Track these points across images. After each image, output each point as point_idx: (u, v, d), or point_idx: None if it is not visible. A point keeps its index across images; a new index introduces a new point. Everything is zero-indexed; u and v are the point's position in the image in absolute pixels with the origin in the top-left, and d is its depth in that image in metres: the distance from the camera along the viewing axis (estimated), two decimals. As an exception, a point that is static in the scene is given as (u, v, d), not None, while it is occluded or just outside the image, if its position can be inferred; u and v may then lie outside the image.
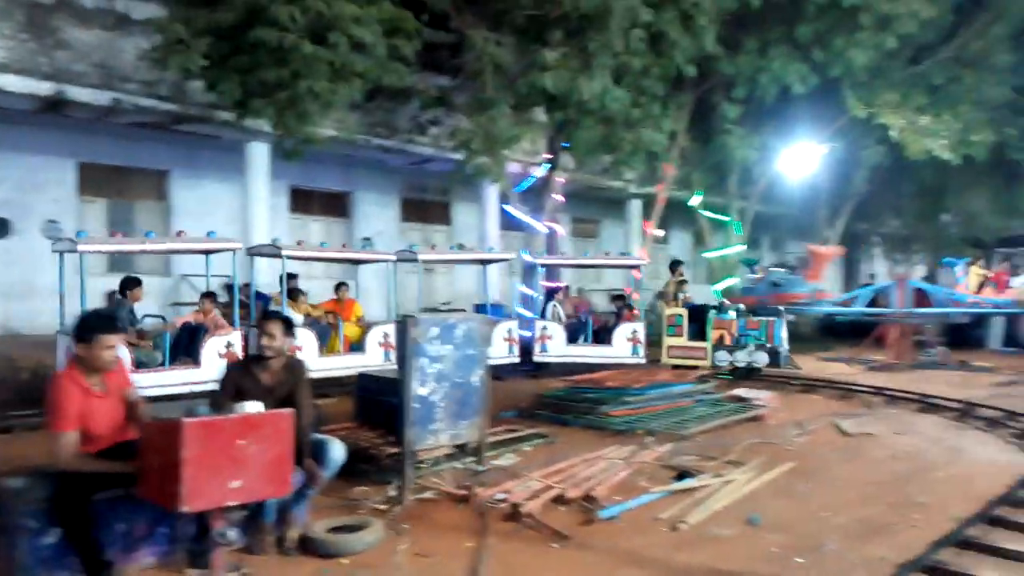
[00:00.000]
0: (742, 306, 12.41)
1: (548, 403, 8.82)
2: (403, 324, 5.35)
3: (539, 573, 4.22)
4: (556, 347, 12.07)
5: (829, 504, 5.52)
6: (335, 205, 17.02)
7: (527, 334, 13.03)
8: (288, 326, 4.68)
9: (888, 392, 10.45)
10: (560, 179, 13.60)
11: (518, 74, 10.50)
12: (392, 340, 10.64)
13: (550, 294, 13.18)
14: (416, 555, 4.45)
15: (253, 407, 4.02)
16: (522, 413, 8.65)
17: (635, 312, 12.79)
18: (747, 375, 11.49)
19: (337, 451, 4.55)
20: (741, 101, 13.58)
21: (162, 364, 8.82)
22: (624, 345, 11.93)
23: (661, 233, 23.01)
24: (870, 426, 8.38)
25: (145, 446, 3.80)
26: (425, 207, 18.49)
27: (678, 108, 12.83)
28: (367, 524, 4.69)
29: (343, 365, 10.08)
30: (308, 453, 4.38)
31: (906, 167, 17.58)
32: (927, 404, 9.74)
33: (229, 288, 10.79)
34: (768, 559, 4.44)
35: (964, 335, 17.23)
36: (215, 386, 4.70)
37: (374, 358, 10.52)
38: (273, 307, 10.07)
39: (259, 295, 11.56)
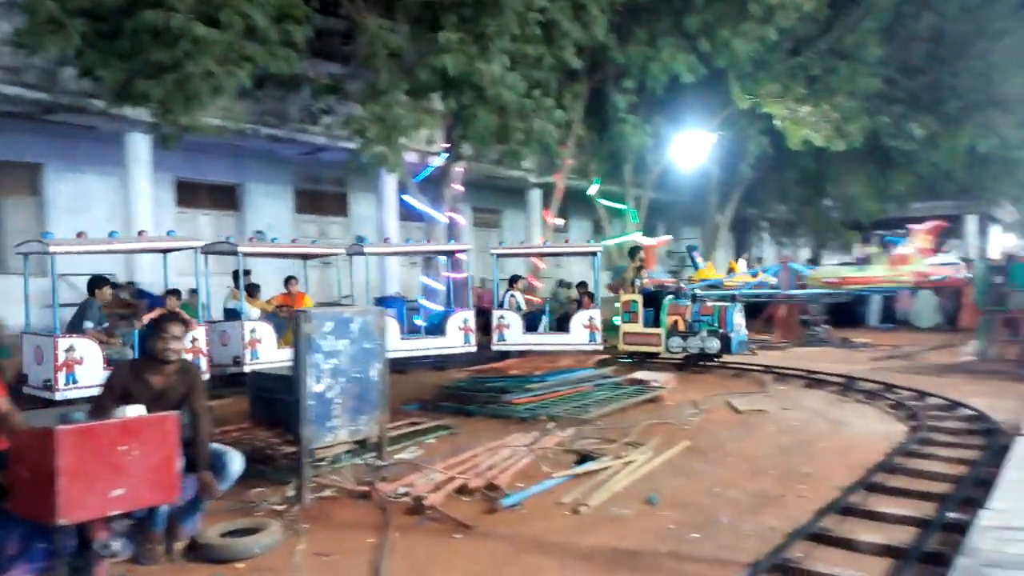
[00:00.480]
0: (698, 290, 12.42)
1: (451, 394, 8.78)
2: (295, 320, 5.19)
3: (442, 565, 4.19)
4: (514, 336, 12.17)
5: (722, 479, 5.72)
6: (224, 198, 16.36)
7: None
8: (186, 327, 4.50)
9: (777, 370, 10.95)
10: (459, 169, 13.53)
11: (414, 61, 10.35)
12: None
13: (510, 283, 13.35)
14: (315, 555, 4.34)
15: (134, 411, 3.83)
16: (425, 406, 8.58)
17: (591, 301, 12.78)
18: (698, 362, 11.49)
19: (236, 463, 4.38)
20: (633, 91, 13.87)
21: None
22: (581, 332, 11.97)
23: (561, 222, 23.36)
24: (760, 403, 8.75)
25: (16, 457, 3.56)
26: (320, 198, 18.02)
27: (572, 98, 12.99)
28: (264, 526, 4.54)
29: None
30: (205, 464, 4.20)
31: (789, 154, 18.40)
32: (813, 380, 10.25)
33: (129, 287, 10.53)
34: (665, 536, 4.56)
35: (846, 313, 18.28)
36: (98, 391, 4.45)
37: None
38: (174, 306, 9.72)
39: (146, 294, 11.07)
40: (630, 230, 18.13)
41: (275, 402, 6.51)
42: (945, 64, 17.93)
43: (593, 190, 17.51)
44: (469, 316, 12.21)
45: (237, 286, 10.62)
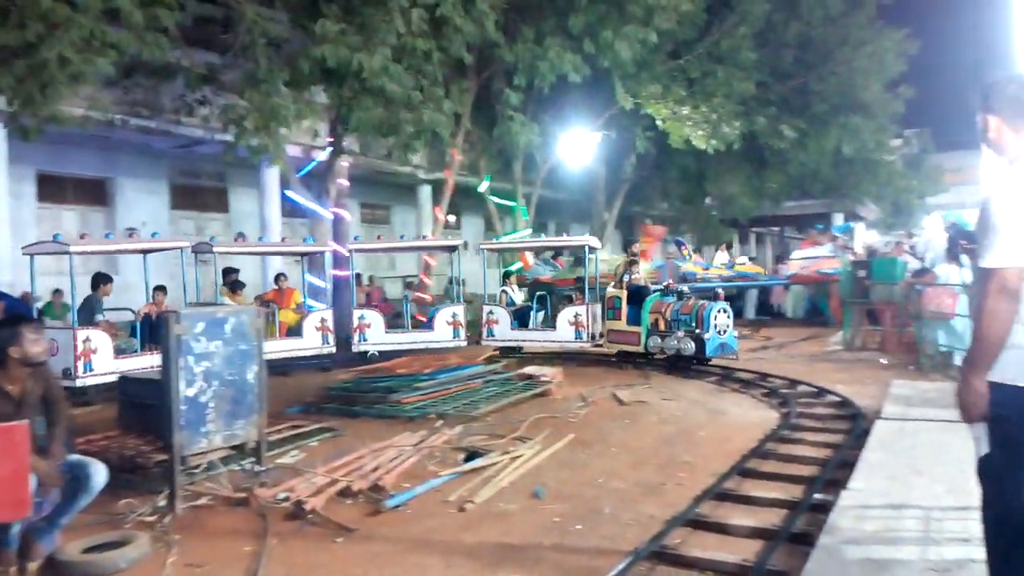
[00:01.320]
0: (686, 288, 11.74)
1: (336, 395, 8.59)
2: (163, 321, 4.91)
3: (322, 569, 4.07)
4: (502, 331, 12.12)
5: (606, 470, 5.83)
6: (92, 192, 15.40)
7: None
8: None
9: (660, 361, 11.28)
10: (345, 163, 13.23)
11: (295, 51, 10.02)
12: (329, 324, 11.64)
13: (504, 278, 13.26)
14: (187, 566, 4.13)
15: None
16: (309, 408, 8.35)
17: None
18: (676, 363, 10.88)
19: (99, 474, 4.09)
20: (522, 88, 13.97)
21: (136, 351, 9.77)
22: (567, 329, 11.87)
23: (452, 219, 23.30)
24: (644, 394, 8.99)
25: None
26: (199, 193, 17.25)
27: (461, 93, 12.94)
28: (131, 539, 4.27)
29: (281, 348, 11.06)
30: (57, 472, 3.91)
31: (671, 154, 19.04)
32: (692, 371, 10.62)
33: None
34: (550, 529, 4.60)
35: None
36: None
37: (312, 341, 11.58)
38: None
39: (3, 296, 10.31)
40: (520, 227, 18.27)
41: (146, 408, 6.15)
42: (813, 70, 19.01)
43: (483, 187, 17.55)
44: (459, 311, 12.28)
45: (226, 284, 11.11)
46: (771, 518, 4.64)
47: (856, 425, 6.88)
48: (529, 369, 10.03)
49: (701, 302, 10.68)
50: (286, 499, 5.07)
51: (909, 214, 30.25)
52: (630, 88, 15.16)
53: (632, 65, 14.20)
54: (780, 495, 5.08)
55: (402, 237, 17.03)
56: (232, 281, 11.98)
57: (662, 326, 10.81)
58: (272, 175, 14.50)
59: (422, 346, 11.80)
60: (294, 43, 10.21)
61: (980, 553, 3.04)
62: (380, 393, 8.21)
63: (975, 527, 3.05)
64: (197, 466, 5.39)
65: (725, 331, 10.40)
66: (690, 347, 10.41)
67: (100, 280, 10.19)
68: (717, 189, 22.31)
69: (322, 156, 13.23)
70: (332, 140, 12.39)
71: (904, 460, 5.20)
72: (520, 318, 12.34)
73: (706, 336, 10.21)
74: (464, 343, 12.08)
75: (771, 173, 21.38)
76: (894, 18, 20.25)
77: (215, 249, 11.16)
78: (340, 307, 13.64)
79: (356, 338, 11.89)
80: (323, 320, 11.63)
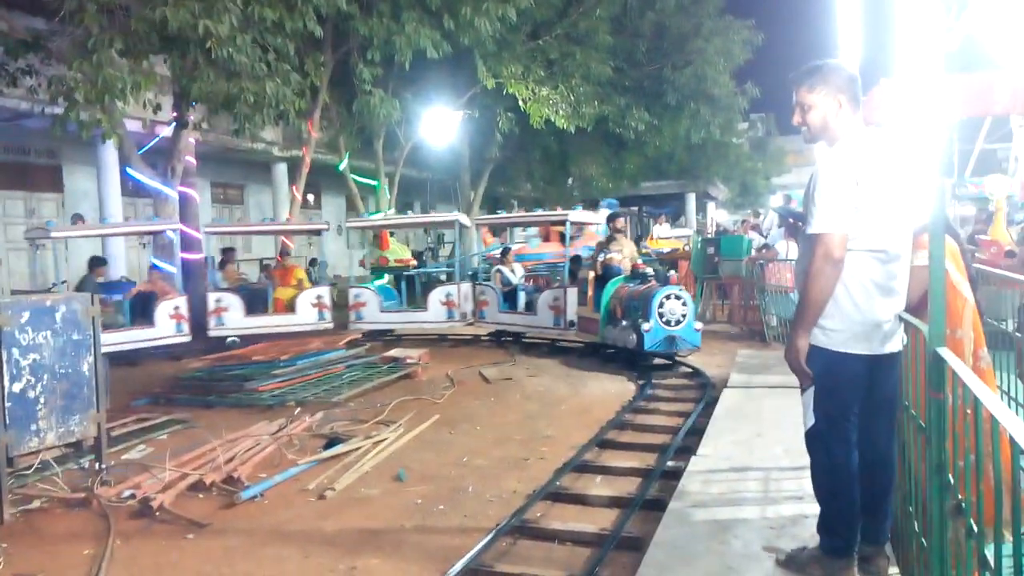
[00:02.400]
0: (650, 271, 10.08)
1: (188, 385, 8.15)
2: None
3: (170, 568, 3.85)
4: (491, 313, 11.74)
5: (470, 449, 5.86)
6: (-102, 170, 13.78)
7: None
8: None
9: (525, 339, 11.44)
10: (192, 139, 12.47)
11: (130, 16, 9.26)
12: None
13: (502, 255, 12.61)
14: (18, 577, 3.79)
15: None
16: (157, 399, 7.88)
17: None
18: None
19: None
20: (380, 64, 13.64)
21: (124, 325, 10.36)
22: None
23: (311, 198, 22.58)
24: (509, 372, 9.09)
25: None
26: (28, 172, 15.77)
27: (317, 67, 12.44)
28: (-54, 554, 3.87)
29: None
30: None
31: (534, 135, 19.24)
32: (555, 347, 10.85)
33: None
34: (413, 512, 4.56)
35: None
36: None
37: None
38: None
39: None
40: (383, 207, 17.96)
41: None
42: (667, 58, 19.72)
43: (343, 165, 17.08)
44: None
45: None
46: (627, 487, 4.82)
47: (706, 394, 7.25)
48: (394, 352, 9.91)
49: (648, 287, 9.13)
50: (131, 497, 4.77)
51: (756, 194, 32.23)
52: (492, 67, 15.13)
53: (492, 43, 14.15)
54: (636, 464, 5.28)
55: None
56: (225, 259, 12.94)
57: (618, 313, 9.50)
58: (111, 151, 13.48)
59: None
60: (130, 8, 9.44)
61: (812, 509, 3.28)
62: (235, 381, 7.87)
63: (808, 486, 3.28)
64: (29, 467, 4.97)
65: (678, 322, 8.63)
66: (632, 339, 8.88)
67: (95, 263, 11.33)
68: (578, 170, 22.80)
69: (166, 132, 12.41)
70: (176, 115, 11.62)
71: (748, 425, 5.53)
72: (510, 299, 11.67)
73: (645, 327, 8.56)
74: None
75: (629, 155, 22.07)
76: (740, 9, 21.34)
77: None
78: (193, 293, 12.94)
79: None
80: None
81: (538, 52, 16.34)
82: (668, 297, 8.72)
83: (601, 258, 10.43)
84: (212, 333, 11.26)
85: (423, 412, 7.02)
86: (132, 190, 14.45)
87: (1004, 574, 1.70)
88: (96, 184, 14.72)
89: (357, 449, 5.76)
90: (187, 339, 11.10)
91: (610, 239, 10.62)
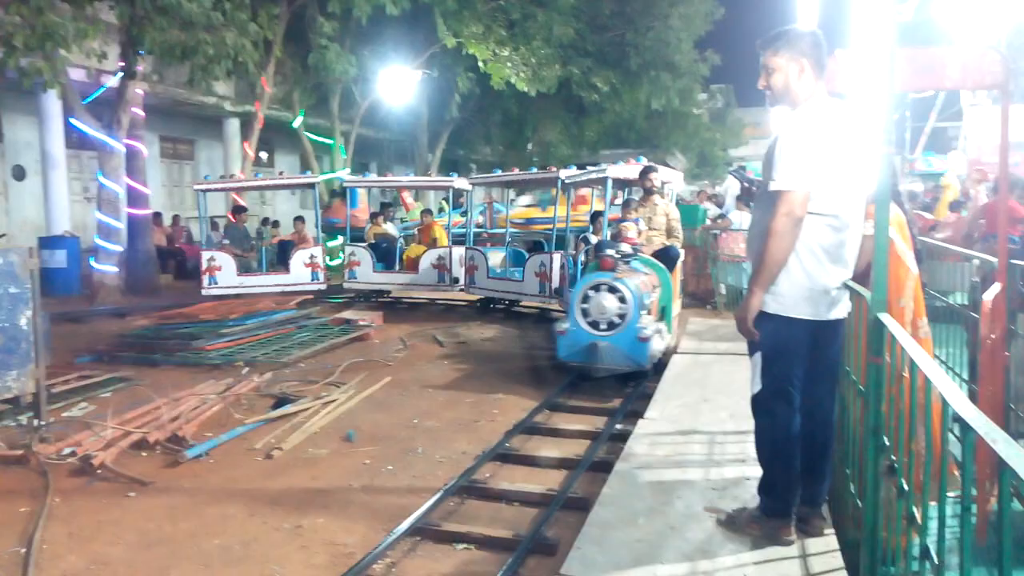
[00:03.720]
0: (629, 248, 7.47)
1: (133, 343, 7.97)
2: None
3: (111, 527, 3.77)
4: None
5: (421, 411, 5.85)
6: None
7: (111, 269, 11.60)
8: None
9: (479, 304, 11.43)
10: (139, 91, 12.04)
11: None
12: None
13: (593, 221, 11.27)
14: (-54, 536, 3.68)
15: None
16: (102, 357, 7.68)
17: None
18: None
19: None
20: (336, 18, 13.30)
21: (258, 270, 11.72)
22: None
23: (263, 156, 22.08)
24: (463, 335, 9.09)
25: None
26: (-36, 121, 15.13)
27: (271, 19, 12.07)
28: None
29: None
30: None
31: (494, 98, 19.06)
32: (512, 312, 10.87)
33: None
34: (361, 472, 4.55)
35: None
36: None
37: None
38: None
39: None
40: (338, 166, 17.67)
41: None
42: (631, 23, 19.62)
43: (298, 122, 16.72)
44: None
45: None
46: (575, 449, 4.87)
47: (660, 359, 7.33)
48: (346, 313, 9.83)
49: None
50: (71, 454, 4.67)
51: (713, 165, 32.48)
52: (452, 26, 14.89)
53: (453, 1, 13.92)
54: (585, 427, 5.33)
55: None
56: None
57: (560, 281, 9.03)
58: (54, 101, 12.95)
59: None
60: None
61: (754, 471, 3.36)
62: (182, 340, 7.71)
63: (751, 449, 3.35)
64: (-38, 424, 4.82)
65: (612, 324, 6.24)
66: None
67: (238, 211, 12.92)
68: (538, 135, 22.71)
69: (112, 82, 11.96)
70: (123, 64, 11.19)
71: (695, 390, 5.62)
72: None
73: (559, 329, 6.44)
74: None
75: (589, 122, 22.04)
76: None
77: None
78: (139, 249, 12.62)
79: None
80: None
81: (499, 12, 16.12)
82: (596, 288, 6.23)
83: (588, 236, 8.47)
84: (206, 292, 11.08)
85: (375, 374, 6.98)
86: (77, 142, 13.94)
87: (930, 529, 1.75)
88: (38, 135, 14.16)
89: (306, 410, 5.71)
90: (321, 287, 11.40)
91: (640, 202, 8.08)
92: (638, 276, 6.61)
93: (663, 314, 7.09)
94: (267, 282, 11.45)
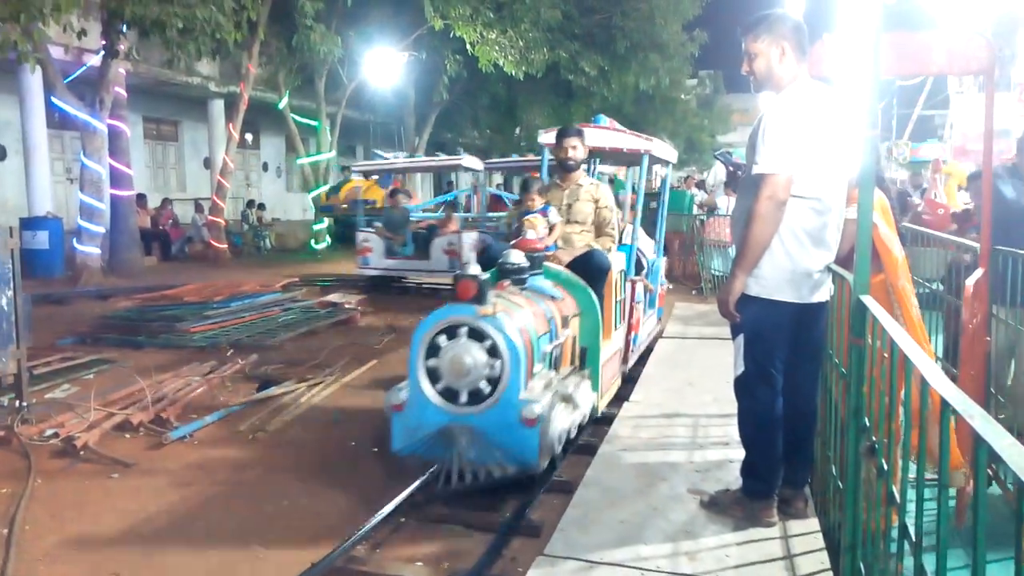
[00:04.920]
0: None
1: (117, 325, 7.90)
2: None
3: (93, 507, 3.76)
4: (377, 260, 11.68)
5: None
6: None
7: (94, 250, 11.49)
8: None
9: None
10: (122, 70, 11.89)
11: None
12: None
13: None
14: (-75, 517, 3.65)
15: None
16: (85, 338, 7.62)
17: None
18: None
19: None
20: (322, -1, 13.19)
21: (402, 254, 11.58)
22: (442, 259, 11.27)
23: (248, 137, 21.88)
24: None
25: None
26: (-59, 99, 14.90)
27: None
28: None
29: (409, 267, 11.70)
30: None
31: (482, 81, 18.94)
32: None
33: None
34: (346, 452, 4.55)
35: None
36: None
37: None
38: None
39: None
40: (324, 149, 17.55)
41: None
42: (618, 4, 19.52)
43: (283, 104, 16.57)
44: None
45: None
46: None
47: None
48: (331, 297, 9.80)
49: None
50: (54, 435, 4.63)
51: (701, 151, 32.52)
52: (439, 7, 14.75)
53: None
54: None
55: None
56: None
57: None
58: (35, 79, 12.76)
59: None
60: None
61: (737, 454, 3.38)
62: (166, 322, 7.66)
63: (734, 432, 3.37)
64: (-59, 405, 4.78)
65: (482, 395, 3.67)
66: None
67: (394, 193, 12.61)
68: (526, 119, 22.62)
69: (94, 60, 11.79)
70: (105, 42, 11.03)
71: (680, 374, 5.66)
72: None
73: (393, 403, 3.89)
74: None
75: (577, 106, 21.96)
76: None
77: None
78: (122, 231, 12.50)
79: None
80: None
81: (487, -7, 15.99)
82: (452, 333, 3.71)
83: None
84: (359, 270, 11.71)
85: (360, 357, 6.97)
86: (59, 122, 13.78)
87: (908, 508, 1.77)
88: (19, 114, 13.96)
89: (291, 392, 5.70)
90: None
91: (556, 182, 5.37)
92: (533, 307, 3.98)
93: (584, 361, 4.48)
94: (410, 266, 11.64)
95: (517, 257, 4.08)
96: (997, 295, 3.63)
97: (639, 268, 6.17)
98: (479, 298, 3.59)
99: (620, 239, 5.69)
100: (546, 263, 4.45)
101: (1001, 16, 11.39)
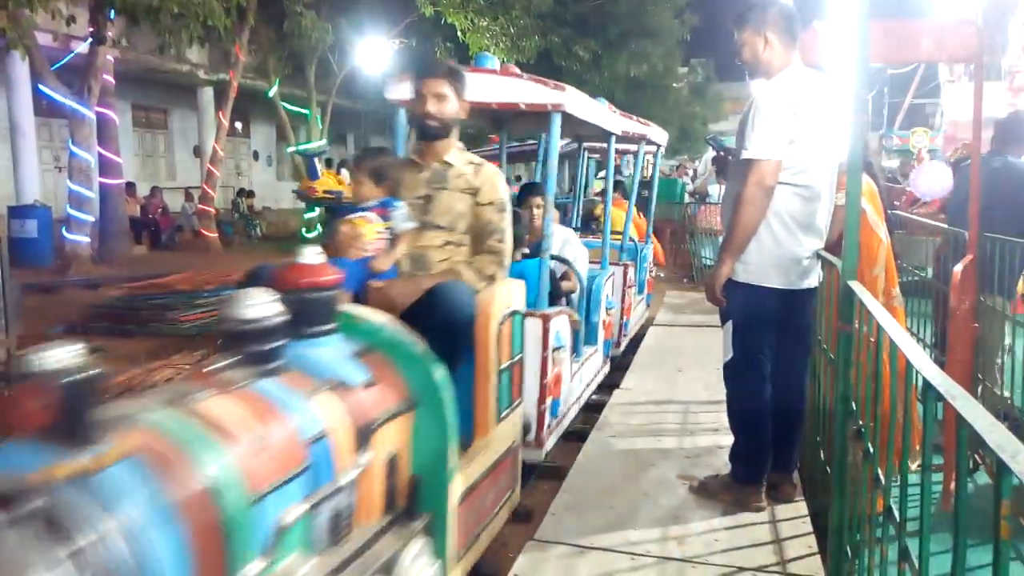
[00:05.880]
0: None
1: (107, 313, 7.86)
2: None
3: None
4: None
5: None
6: None
7: (83, 239, 11.42)
8: None
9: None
10: (110, 57, 11.78)
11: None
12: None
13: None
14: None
15: None
16: (74, 328, 7.58)
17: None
18: None
19: None
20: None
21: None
22: None
23: (239, 125, 21.75)
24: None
25: None
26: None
27: (244, -15, 11.82)
28: None
29: None
30: None
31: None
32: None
33: None
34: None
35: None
36: None
37: None
38: None
39: None
40: (315, 137, 17.46)
41: None
42: (609, -10, 19.46)
43: (273, 92, 16.46)
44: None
45: None
46: (551, 419, 4.89)
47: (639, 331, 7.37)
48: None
49: None
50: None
51: (693, 139, 32.50)
52: (429, -6, 14.68)
53: (431, -31, 13.74)
54: (561, 397, 5.34)
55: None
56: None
57: None
58: (22, 67, 12.63)
59: None
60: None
61: (726, 440, 3.40)
62: (156, 311, 7.63)
63: (724, 418, 3.39)
64: (-71, 395, 4.72)
65: None
66: None
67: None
68: (517, 107, 22.52)
69: (82, 48, 11.69)
70: (93, 29, 10.93)
71: (670, 361, 5.67)
72: None
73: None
74: None
75: (568, 93, 21.93)
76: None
77: None
78: (111, 219, 12.44)
79: None
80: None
81: (478, -20, 15.89)
82: None
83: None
84: None
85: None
86: (46, 110, 13.66)
87: (893, 492, 1.79)
88: (6, 102, 13.84)
89: (282, 380, 5.68)
90: None
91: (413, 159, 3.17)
92: (266, 420, 1.66)
93: (418, 502, 2.18)
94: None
95: (258, 305, 1.82)
96: (986, 282, 3.65)
97: (563, 294, 4.45)
98: (69, 432, 1.31)
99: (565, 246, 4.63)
100: (349, 308, 2.25)
101: (991, 3, 11.39)
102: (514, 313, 2.90)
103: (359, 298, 2.59)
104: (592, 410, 4.90)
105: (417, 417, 2.16)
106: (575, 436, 4.44)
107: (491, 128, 5.50)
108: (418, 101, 2.95)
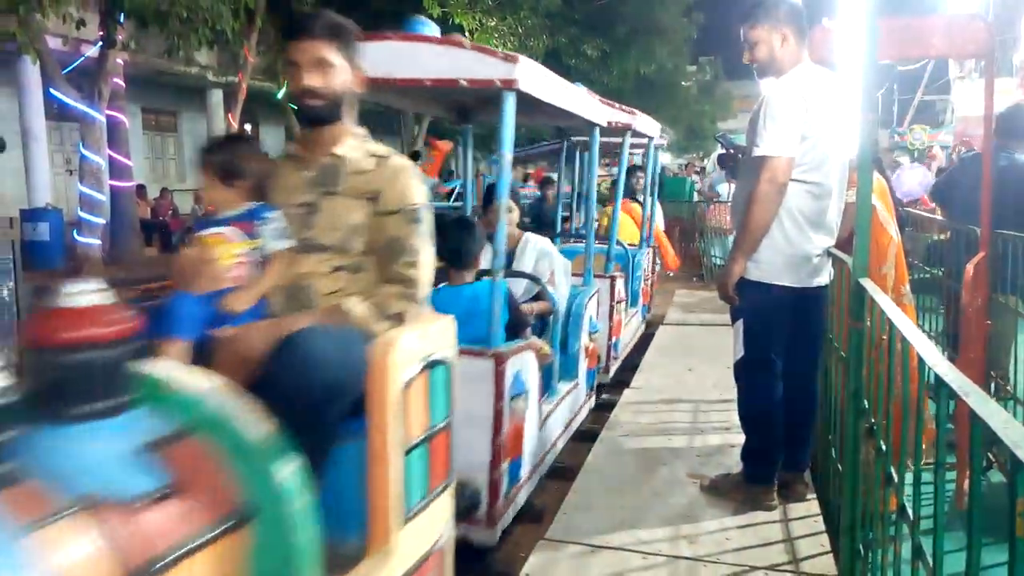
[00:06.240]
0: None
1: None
2: None
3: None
4: None
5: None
6: None
7: (94, 241, 11.49)
8: None
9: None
10: (120, 61, 11.84)
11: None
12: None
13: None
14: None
15: None
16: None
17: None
18: None
19: None
20: (319, -14, 13.11)
21: None
22: None
23: (248, 128, 21.82)
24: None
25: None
26: (-63, 90, 14.85)
27: (253, -11, 11.87)
28: None
29: None
30: None
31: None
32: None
33: None
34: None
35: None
36: None
37: None
38: None
39: None
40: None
41: None
42: (617, -11, 19.43)
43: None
44: None
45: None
46: (561, 418, 4.88)
47: (650, 330, 7.36)
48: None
49: None
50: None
51: (702, 138, 32.42)
52: (437, -5, 14.70)
53: (438, -30, 13.76)
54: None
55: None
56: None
57: None
58: (33, 71, 12.70)
59: None
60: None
61: (738, 439, 3.39)
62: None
63: (735, 417, 3.38)
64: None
65: None
66: None
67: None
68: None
69: (92, 51, 11.75)
70: (103, 33, 10.99)
71: (680, 360, 5.66)
72: None
73: None
74: None
75: (576, 93, 21.92)
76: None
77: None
78: (122, 222, 12.50)
79: None
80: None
81: (486, -20, 15.91)
82: None
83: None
84: None
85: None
86: (57, 113, 13.73)
87: (905, 489, 1.78)
88: (17, 106, 13.93)
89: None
90: None
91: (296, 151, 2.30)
92: None
93: None
94: None
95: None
96: (998, 280, 3.63)
97: (526, 325, 3.54)
98: None
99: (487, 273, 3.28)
100: (158, 370, 1.38)
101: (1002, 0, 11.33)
102: (434, 364, 1.95)
103: (203, 352, 1.83)
104: (602, 409, 4.89)
105: (257, 536, 1.31)
106: (585, 436, 4.44)
107: (453, 119, 4.58)
108: (292, 71, 2.06)
